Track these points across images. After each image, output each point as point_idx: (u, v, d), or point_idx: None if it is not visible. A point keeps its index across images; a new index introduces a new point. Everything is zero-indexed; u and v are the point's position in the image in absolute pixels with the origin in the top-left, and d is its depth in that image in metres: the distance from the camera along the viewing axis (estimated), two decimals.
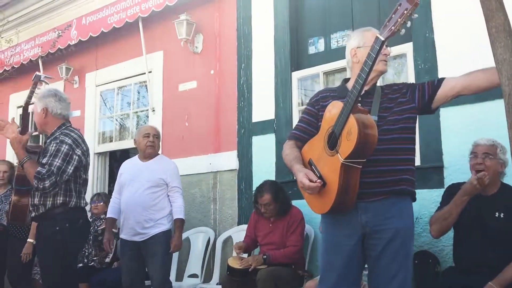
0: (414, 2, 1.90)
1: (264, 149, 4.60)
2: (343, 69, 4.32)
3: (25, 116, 3.30)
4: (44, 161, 3.05)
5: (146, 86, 5.73)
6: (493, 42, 1.91)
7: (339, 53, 4.30)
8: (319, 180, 2.13)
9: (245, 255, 3.99)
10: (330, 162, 2.14)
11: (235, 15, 5.02)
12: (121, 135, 6.22)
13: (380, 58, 2.21)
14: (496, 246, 2.76)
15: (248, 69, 4.85)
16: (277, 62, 4.66)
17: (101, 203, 4.93)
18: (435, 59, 3.70)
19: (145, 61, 5.53)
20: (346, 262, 2.25)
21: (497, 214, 2.82)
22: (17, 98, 7.07)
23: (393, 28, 1.95)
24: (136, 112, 6.10)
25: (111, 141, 6.22)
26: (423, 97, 2.28)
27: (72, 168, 3.09)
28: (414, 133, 2.36)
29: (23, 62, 6.62)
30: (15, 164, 4.00)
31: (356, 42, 2.35)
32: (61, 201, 3.11)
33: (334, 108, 2.20)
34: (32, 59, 6.52)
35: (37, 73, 3.38)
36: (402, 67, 4.08)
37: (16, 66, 6.69)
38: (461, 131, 3.51)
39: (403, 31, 1.97)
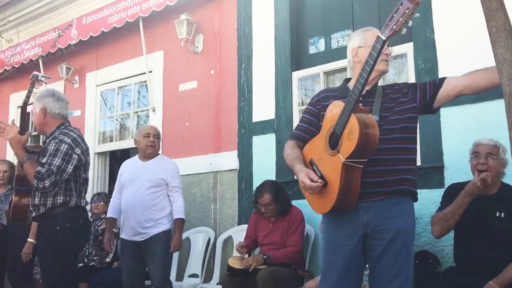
0: (415, 1, 1.90)
1: (264, 149, 4.60)
2: (343, 69, 4.33)
3: (23, 116, 3.30)
4: (43, 160, 3.05)
5: (146, 86, 5.73)
6: (493, 42, 1.91)
7: (340, 53, 4.30)
8: (320, 180, 2.13)
9: (245, 255, 3.99)
10: (331, 162, 2.14)
11: (236, 15, 5.02)
12: (121, 135, 6.22)
13: (382, 58, 2.21)
14: (497, 246, 2.76)
15: (248, 69, 4.85)
16: (278, 62, 4.66)
17: (102, 203, 4.94)
18: (435, 59, 3.71)
19: (146, 61, 5.53)
20: (347, 262, 2.24)
21: (498, 214, 2.82)
22: (17, 98, 7.06)
23: (394, 27, 1.95)
24: (137, 112, 6.10)
25: (111, 141, 6.22)
26: (425, 97, 2.28)
27: (71, 167, 3.09)
28: (416, 133, 2.36)
29: (24, 62, 6.62)
30: (15, 164, 4.00)
31: (357, 42, 2.34)
32: (61, 201, 3.11)
33: (335, 108, 2.20)
34: (32, 58, 6.52)
35: (35, 72, 3.37)
36: (402, 67, 4.08)
37: (16, 66, 6.69)
38: (462, 131, 3.51)
39: (404, 30, 1.97)
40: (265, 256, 3.73)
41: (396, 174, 2.22)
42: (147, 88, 5.71)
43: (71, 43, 6.08)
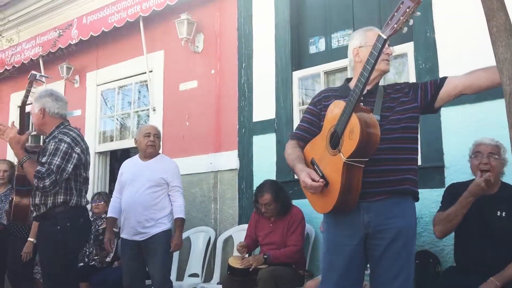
0: (416, 0, 1.90)
1: (264, 148, 4.60)
2: (344, 69, 4.33)
3: (22, 115, 3.30)
4: (43, 160, 3.05)
5: (146, 85, 5.73)
6: (494, 41, 1.90)
7: (340, 52, 4.30)
8: (321, 180, 2.13)
9: (246, 255, 3.99)
10: (332, 161, 2.14)
11: (236, 15, 5.02)
12: (121, 135, 6.22)
13: (383, 57, 2.20)
14: (498, 246, 2.76)
15: (248, 69, 4.85)
16: (278, 61, 4.66)
17: (102, 203, 4.95)
18: (436, 58, 3.71)
19: (146, 60, 5.53)
20: (348, 262, 2.24)
21: (499, 213, 2.82)
22: (18, 98, 7.05)
23: (395, 26, 1.95)
24: (137, 111, 6.10)
25: (111, 140, 6.22)
26: (426, 97, 2.28)
27: (71, 166, 3.09)
28: (417, 133, 2.36)
29: (24, 62, 6.62)
30: (15, 163, 4.00)
31: (358, 41, 2.34)
32: (61, 200, 3.11)
33: (336, 108, 2.20)
34: (33, 58, 6.53)
35: (33, 72, 3.37)
36: (403, 66, 4.08)
37: (17, 66, 6.69)
38: (462, 131, 3.51)
39: (405, 29, 1.97)
40: (266, 256, 3.73)
41: (397, 174, 2.22)
42: (147, 87, 5.71)
43: (72, 43, 6.08)
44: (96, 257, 4.71)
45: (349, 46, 2.41)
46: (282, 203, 3.89)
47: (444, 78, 2.29)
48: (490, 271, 2.68)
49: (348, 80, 2.46)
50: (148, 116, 5.81)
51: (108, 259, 4.66)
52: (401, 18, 1.93)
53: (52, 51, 6.30)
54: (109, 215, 4.21)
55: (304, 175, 2.16)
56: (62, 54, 6.43)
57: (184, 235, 4.33)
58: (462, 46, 3.56)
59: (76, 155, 3.13)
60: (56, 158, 3.03)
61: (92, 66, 6.32)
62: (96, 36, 5.86)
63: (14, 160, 4.54)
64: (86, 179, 3.30)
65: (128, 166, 4.22)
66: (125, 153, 6.70)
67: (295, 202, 3.96)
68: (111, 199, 4.29)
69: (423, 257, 3.39)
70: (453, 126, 3.57)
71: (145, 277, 4.08)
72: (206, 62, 5.22)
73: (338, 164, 2.09)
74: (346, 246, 2.25)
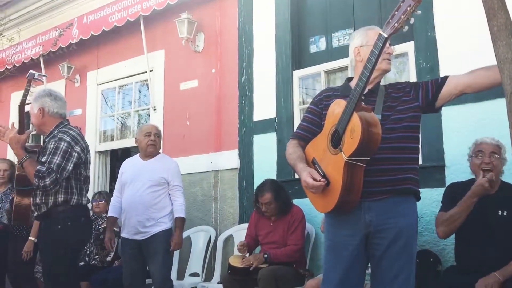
0: None
1: (265, 148, 4.60)
2: (344, 68, 4.33)
3: (22, 115, 3.30)
4: (43, 159, 3.05)
5: (147, 85, 5.73)
6: (495, 41, 1.90)
7: (341, 52, 4.30)
8: (323, 179, 2.13)
9: (246, 254, 3.99)
10: (333, 160, 2.14)
11: (236, 14, 5.02)
12: (122, 134, 6.22)
13: (384, 56, 2.20)
14: (499, 245, 2.76)
15: (249, 68, 4.85)
16: (279, 61, 4.66)
17: (102, 202, 4.95)
18: (436, 58, 3.70)
19: (147, 59, 5.53)
20: (349, 262, 2.24)
21: (500, 212, 2.82)
22: (18, 97, 6.95)
23: (396, 25, 1.95)
24: (137, 111, 6.10)
25: (112, 139, 6.22)
26: (427, 96, 2.28)
27: (71, 165, 3.09)
28: (418, 132, 2.34)
29: (25, 61, 6.62)
30: (15, 163, 4.00)
31: (359, 41, 2.34)
32: (62, 199, 3.11)
33: (337, 107, 2.20)
34: (33, 57, 6.52)
35: (31, 71, 3.37)
36: (403, 66, 4.08)
37: (17, 65, 6.69)
38: (463, 130, 3.51)
39: (406, 28, 1.97)
40: (266, 255, 3.73)
41: (399, 173, 2.22)
42: (148, 87, 5.71)
43: (72, 42, 6.08)
44: (96, 257, 4.71)
45: (350, 46, 2.41)
46: (282, 202, 3.88)
47: (445, 77, 2.28)
48: (491, 270, 2.68)
49: (349, 79, 2.46)
50: (149, 116, 5.81)
51: (108, 259, 4.66)
52: (402, 16, 1.93)
53: (52, 50, 6.29)
54: (109, 214, 4.21)
55: (306, 175, 2.16)
56: (62, 54, 6.42)
57: (185, 234, 4.33)
58: (463, 46, 3.55)
59: (76, 154, 3.13)
60: (56, 157, 3.03)
61: (93, 65, 6.32)
62: (97, 36, 5.86)
63: (14, 160, 4.54)
64: (87, 178, 3.30)
65: (129, 166, 4.22)
66: (126, 153, 6.70)
67: (295, 201, 3.95)
68: (112, 198, 4.29)
69: (424, 256, 3.39)
70: (453, 125, 3.57)
71: (146, 277, 4.08)
72: (206, 62, 5.22)
73: (339, 163, 2.09)
74: (347, 245, 2.24)
